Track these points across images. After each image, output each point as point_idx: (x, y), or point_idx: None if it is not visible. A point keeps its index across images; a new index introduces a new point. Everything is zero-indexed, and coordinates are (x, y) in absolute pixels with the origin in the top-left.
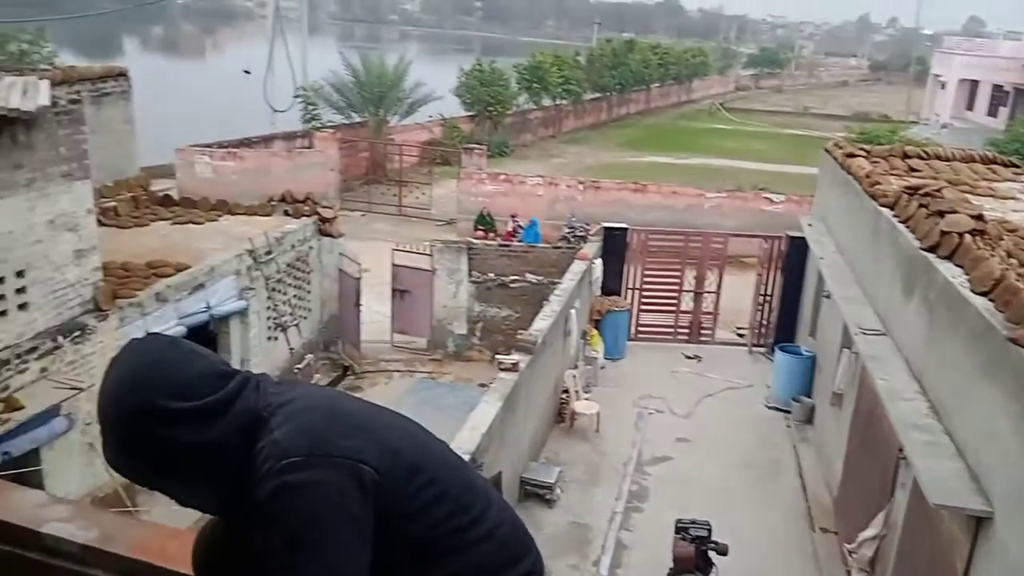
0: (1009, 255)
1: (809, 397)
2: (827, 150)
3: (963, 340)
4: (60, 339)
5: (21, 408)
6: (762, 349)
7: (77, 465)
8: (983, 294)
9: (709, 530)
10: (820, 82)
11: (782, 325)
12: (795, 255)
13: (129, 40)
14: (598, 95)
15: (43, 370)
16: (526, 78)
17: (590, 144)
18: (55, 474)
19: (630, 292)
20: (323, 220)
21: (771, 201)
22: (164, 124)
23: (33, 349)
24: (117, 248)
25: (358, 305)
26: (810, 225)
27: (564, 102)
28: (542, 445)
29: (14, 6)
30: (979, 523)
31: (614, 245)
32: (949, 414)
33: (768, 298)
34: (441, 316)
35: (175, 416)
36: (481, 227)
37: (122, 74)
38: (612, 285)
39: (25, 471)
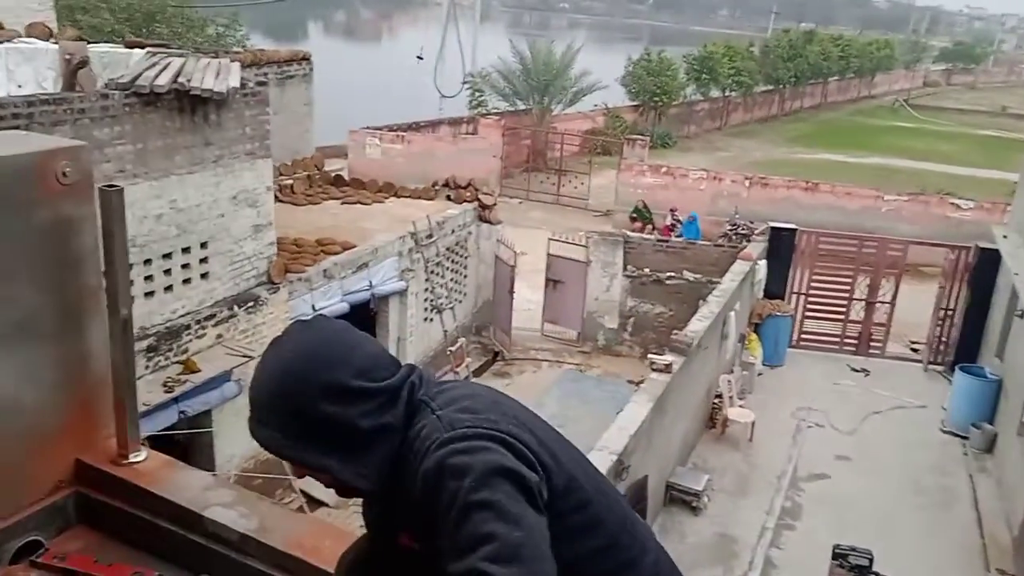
0: None
1: (991, 424)
2: None
3: None
4: (235, 308)
5: (198, 371)
6: (940, 367)
7: (244, 429)
8: None
9: (871, 559)
10: (1021, 80)
11: (964, 343)
12: (985, 268)
13: (314, 25)
14: (770, 88)
15: (219, 336)
16: (695, 68)
17: (758, 138)
18: (224, 436)
19: (795, 297)
20: (483, 207)
21: (958, 207)
22: (339, 106)
23: (211, 316)
24: (290, 224)
25: (511, 292)
26: (1005, 237)
27: (733, 94)
28: (691, 450)
29: None
30: None
31: (781, 246)
32: None
33: (950, 312)
34: (593, 309)
35: (357, 394)
36: (638, 219)
37: (306, 58)
38: (776, 288)
39: (198, 432)
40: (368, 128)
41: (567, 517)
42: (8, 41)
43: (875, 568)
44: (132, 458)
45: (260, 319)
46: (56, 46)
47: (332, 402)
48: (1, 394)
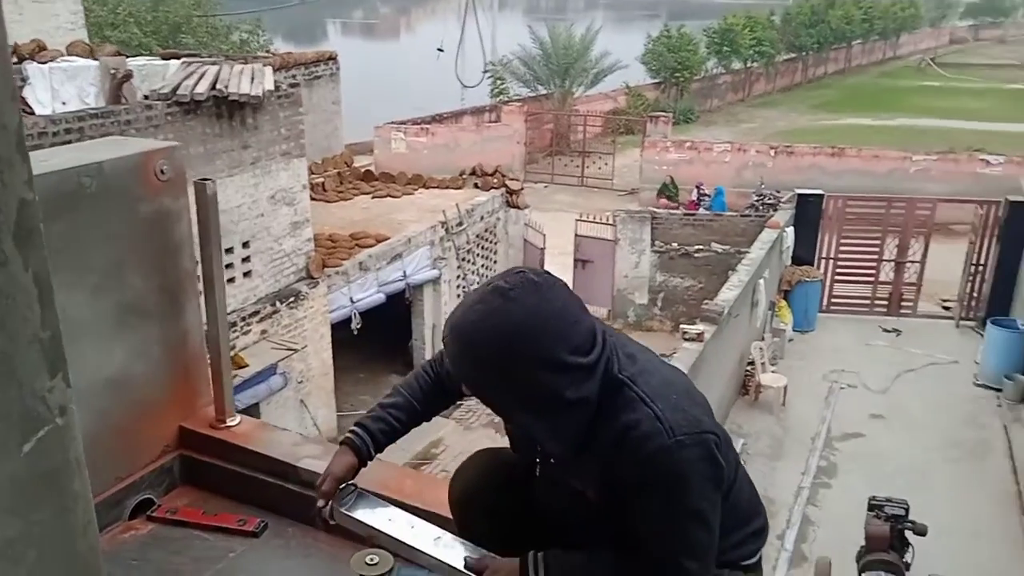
0: None
1: None
2: None
3: None
4: (278, 304)
5: (245, 366)
6: (971, 323)
7: (291, 420)
8: None
9: (906, 509)
10: None
11: (996, 297)
12: (1016, 221)
13: (332, 26)
14: (793, 56)
15: (263, 332)
16: (716, 42)
17: (782, 107)
18: None
19: (824, 262)
20: (510, 192)
21: (988, 163)
22: (364, 104)
23: (255, 313)
24: (324, 221)
25: None
26: None
27: (755, 65)
28: (725, 417)
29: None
30: None
31: (808, 213)
32: None
33: (981, 268)
34: (622, 286)
35: (566, 368)
36: (664, 196)
37: (332, 58)
38: (804, 255)
39: None
40: (393, 123)
41: (726, 501)
42: (52, 61)
43: (911, 517)
44: (229, 423)
45: (302, 313)
46: (96, 62)
47: (547, 372)
48: (115, 370)
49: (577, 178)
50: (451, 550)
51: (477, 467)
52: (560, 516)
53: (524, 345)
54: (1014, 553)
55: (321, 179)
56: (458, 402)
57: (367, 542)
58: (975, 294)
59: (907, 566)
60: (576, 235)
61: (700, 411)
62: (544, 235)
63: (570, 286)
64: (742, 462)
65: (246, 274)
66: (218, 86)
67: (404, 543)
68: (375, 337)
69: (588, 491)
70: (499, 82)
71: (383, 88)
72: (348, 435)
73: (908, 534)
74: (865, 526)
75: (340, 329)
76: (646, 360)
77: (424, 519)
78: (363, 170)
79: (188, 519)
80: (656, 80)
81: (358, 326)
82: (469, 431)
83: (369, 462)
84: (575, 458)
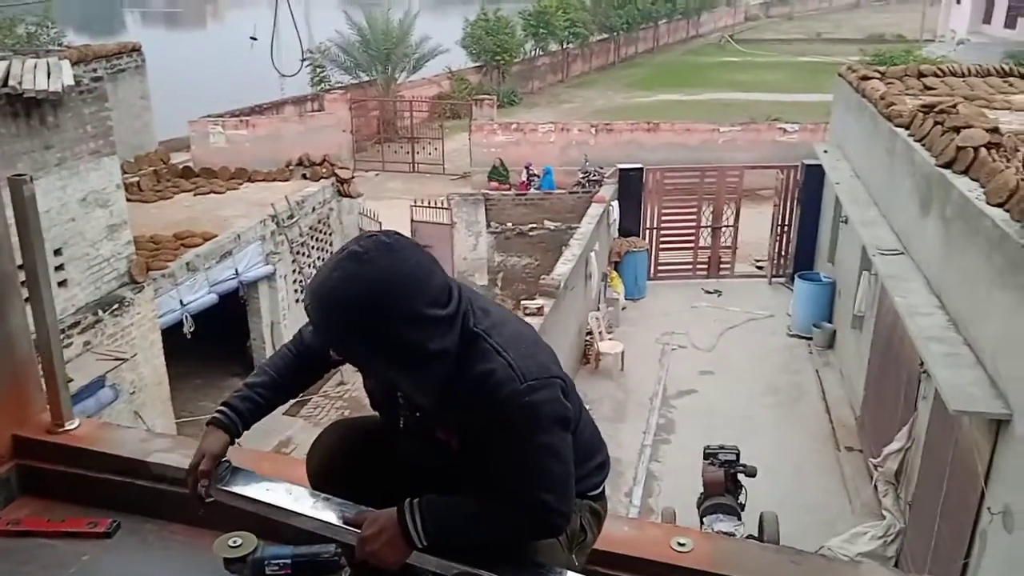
0: None
1: (830, 323)
2: (841, 75)
3: (980, 252)
4: (100, 312)
5: (70, 381)
6: (782, 279)
7: None
8: (999, 205)
9: (737, 454)
10: (831, 6)
11: (801, 254)
12: (811, 183)
13: (130, 15)
14: (605, 36)
15: (86, 343)
16: (532, 24)
17: (599, 87)
18: None
19: (648, 232)
20: (341, 181)
21: (785, 131)
22: (174, 97)
23: (76, 324)
24: (144, 222)
25: None
26: (826, 152)
27: (571, 46)
28: None
29: None
30: (999, 426)
31: (630, 186)
32: (967, 325)
33: (786, 228)
34: (462, 268)
35: (429, 321)
36: (495, 179)
37: (135, 49)
38: (630, 226)
39: None
40: (209, 116)
41: (573, 438)
42: None
43: (742, 461)
44: (67, 427)
45: (128, 320)
46: None
47: (409, 327)
48: None
49: (408, 164)
50: (328, 510)
51: (332, 438)
52: (425, 466)
53: (383, 303)
54: (832, 483)
55: (136, 178)
56: (318, 381)
57: (224, 528)
58: (783, 252)
59: (742, 506)
60: (412, 221)
61: (548, 359)
62: (380, 223)
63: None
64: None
65: (61, 283)
66: (10, 82)
67: (285, 509)
68: (211, 340)
69: (451, 440)
70: (319, 70)
71: (194, 80)
72: (215, 415)
73: (740, 477)
74: (702, 474)
75: (172, 334)
76: (498, 313)
77: None
78: (181, 167)
79: (32, 528)
80: (478, 64)
81: (191, 329)
82: (318, 427)
83: (237, 440)
84: (438, 409)
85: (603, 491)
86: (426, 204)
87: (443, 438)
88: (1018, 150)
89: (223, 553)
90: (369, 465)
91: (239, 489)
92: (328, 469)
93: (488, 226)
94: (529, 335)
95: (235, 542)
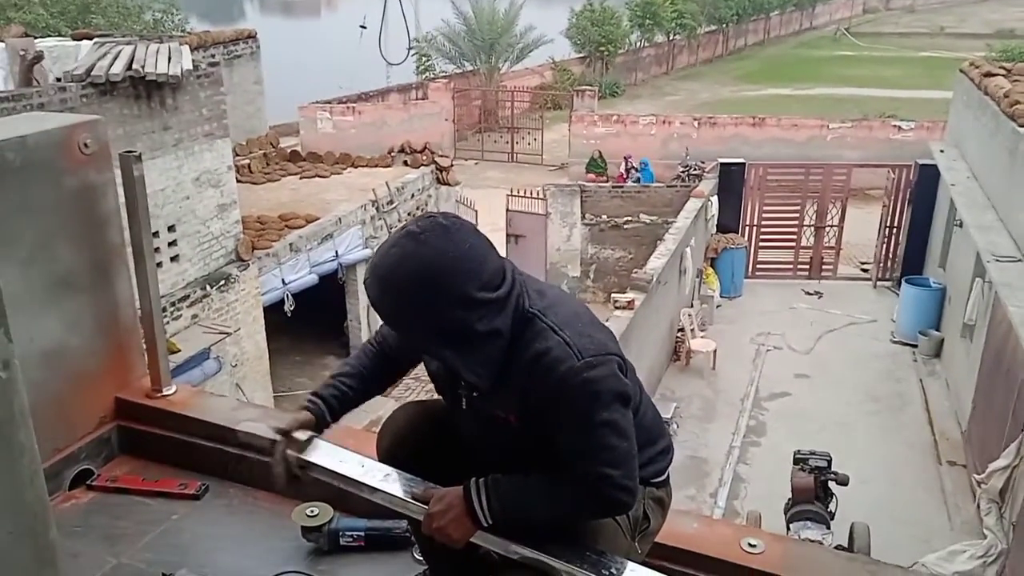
0: None
1: (937, 331)
2: (963, 71)
3: None
4: (208, 288)
5: (177, 352)
6: (888, 283)
7: None
8: None
9: (829, 461)
10: None
11: (909, 258)
12: (925, 184)
13: (249, 3)
14: (713, 28)
15: (194, 317)
16: (638, 15)
17: (705, 79)
18: None
19: (748, 229)
20: (440, 169)
21: (900, 129)
22: (286, 84)
23: (185, 297)
24: (252, 203)
25: None
26: (942, 152)
27: (678, 37)
28: (657, 383)
29: None
30: None
31: (731, 181)
32: None
33: (895, 230)
34: (555, 259)
35: (480, 304)
36: (593, 170)
37: (251, 36)
38: (729, 222)
39: None
40: (317, 103)
41: (636, 422)
42: None
43: (833, 468)
44: (165, 392)
45: (233, 296)
46: (2, 44)
47: (459, 308)
48: (49, 342)
49: (507, 154)
50: (398, 484)
51: (401, 419)
52: (488, 447)
53: (434, 283)
54: (931, 498)
55: (247, 160)
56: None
57: (304, 498)
58: (890, 255)
59: (831, 515)
60: (508, 210)
61: (605, 336)
62: (476, 211)
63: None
64: (675, 424)
65: (173, 258)
66: (134, 66)
67: (357, 481)
68: (310, 319)
69: (511, 418)
70: (424, 59)
71: (306, 67)
72: (305, 404)
73: (831, 484)
74: (791, 479)
75: (273, 312)
76: (554, 295)
77: None
78: (289, 151)
79: (129, 486)
80: (581, 55)
81: (291, 308)
82: None
83: (325, 430)
84: (495, 388)
85: (667, 478)
86: (522, 194)
87: (502, 415)
88: None
89: (302, 521)
90: (436, 446)
91: (316, 458)
92: (397, 449)
93: (583, 217)
94: (585, 315)
95: (312, 511)
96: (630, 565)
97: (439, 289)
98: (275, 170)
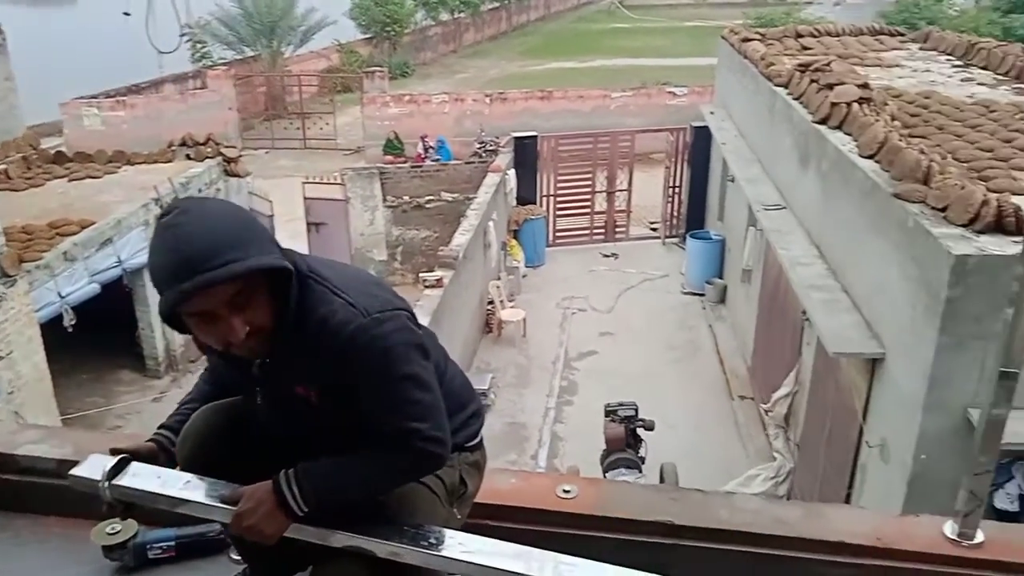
0: (893, 119)
1: (721, 278)
2: (724, 37)
3: (854, 202)
4: None
5: None
6: (675, 239)
7: None
8: (870, 157)
9: (636, 410)
10: None
11: (692, 214)
12: (700, 145)
13: None
14: (496, 5)
15: None
16: None
17: (492, 56)
18: None
19: (545, 199)
20: (227, 160)
21: (674, 95)
22: (42, 79)
23: None
24: (14, 211)
25: None
26: (712, 113)
27: (463, 15)
28: (472, 356)
29: None
30: (874, 365)
31: (525, 155)
32: (844, 272)
33: (677, 190)
34: (360, 244)
35: (248, 252)
36: (390, 152)
37: None
38: (527, 194)
39: None
40: (82, 98)
41: (442, 387)
42: None
43: (640, 416)
44: None
45: (2, 316)
46: None
47: (236, 263)
48: None
49: (299, 141)
50: (202, 490)
51: (199, 424)
52: (293, 435)
53: (203, 252)
54: (728, 431)
55: (3, 166)
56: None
57: (102, 515)
58: (675, 213)
59: (642, 459)
60: (306, 198)
61: (390, 295)
62: (271, 202)
63: (306, 250)
64: (492, 393)
65: None
66: None
67: (163, 496)
68: (96, 332)
69: (311, 395)
70: (199, 46)
71: (63, 60)
72: (154, 436)
73: (640, 431)
74: (604, 431)
75: (53, 328)
76: (331, 262)
77: None
78: (53, 152)
79: None
80: (368, 35)
81: (72, 322)
82: None
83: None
84: (287, 363)
85: (480, 441)
86: (319, 180)
87: (302, 393)
88: (887, 104)
89: (102, 541)
90: (241, 446)
91: (129, 481)
92: (200, 455)
93: (384, 200)
94: (366, 276)
95: (113, 529)
96: (448, 533)
97: (245, 230)
98: (38, 174)
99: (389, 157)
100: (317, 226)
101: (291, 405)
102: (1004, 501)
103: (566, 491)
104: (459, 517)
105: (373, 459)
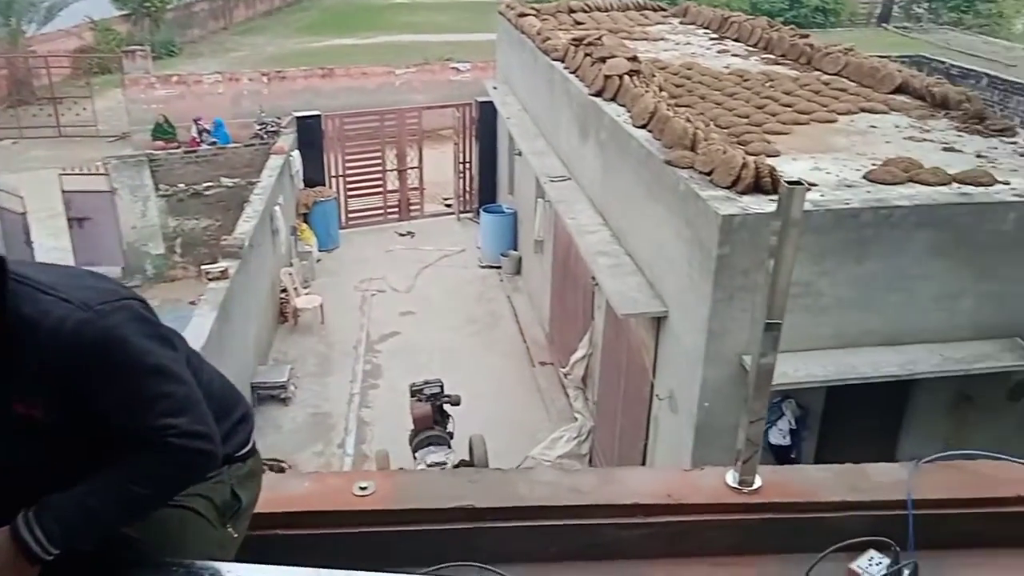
0: (661, 89)
1: (516, 250)
2: (501, 13)
3: (631, 170)
4: None
5: None
6: (469, 214)
7: None
8: (642, 127)
9: (441, 386)
10: None
11: (484, 189)
12: (486, 120)
13: None
14: None
15: None
16: None
17: (267, 33)
18: None
19: (334, 180)
20: None
21: (458, 71)
22: None
23: None
24: None
25: (29, 244)
26: (495, 88)
27: None
28: (268, 347)
29: None
30: (659, 323)
31: (310, 135)
32: (627, 237)
33: (467, 165)
34: (132, 239)
35: None
36: (160, 137)
37: None
38: (315, 176)
39: None
40: None
41: (203, 390)
42: None
43: (446, 392)
44: None
45: None
46: None
47: None
48: None
49: (53, 128)
50: None
51: None
52: (24, 466)
53: None
54: (531, 397)
55: None
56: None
57: None
58: (467, 189)
59: (451, 435)
60: (64, 191)
61: (113, 286)
62: (22, 198)
63: (68, 249)
64: (292, 385)
65: None
66: None
67: None
68: None
69: (34, 412)
70: None
71: None
72: None
73: (446, 407)
74: (410, 411)
75: None
76: (39, 264)
77: None
78: None
79: None
80: (125, 12)
81: None
82: None
83: None
84: (5, 375)
85: (253, 447)
86: (79, 171)
87: (22, 411)
88: (655, 76)
89: None
90: None
91: None
92: None
93: (157, 189)
94: (82, 272)
95: None
96: (224, 568)
97: None
98: None
99: (160, 143)
100: (80, 221)
101: (12, 427)
102: (777, 437)
103: (363, 488)
104: (235, 536)
105: (128, 471)
